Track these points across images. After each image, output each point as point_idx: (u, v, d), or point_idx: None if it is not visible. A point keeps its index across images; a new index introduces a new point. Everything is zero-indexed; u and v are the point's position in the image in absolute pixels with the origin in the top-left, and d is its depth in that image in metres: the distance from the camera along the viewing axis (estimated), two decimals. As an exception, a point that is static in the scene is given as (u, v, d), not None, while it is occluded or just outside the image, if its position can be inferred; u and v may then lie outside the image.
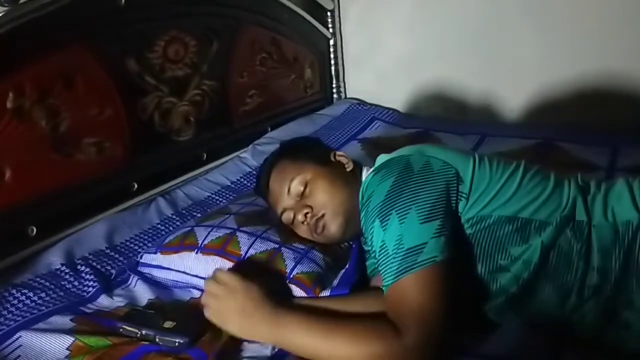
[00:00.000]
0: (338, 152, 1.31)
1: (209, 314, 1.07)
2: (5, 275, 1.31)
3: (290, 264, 1.19)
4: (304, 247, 1.23)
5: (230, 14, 2.01)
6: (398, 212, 1.02)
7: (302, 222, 1.22)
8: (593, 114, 2.16)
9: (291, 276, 1.17)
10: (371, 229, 1.06)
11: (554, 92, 2.25)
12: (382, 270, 1.02)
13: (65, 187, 1.50)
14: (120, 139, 1.64)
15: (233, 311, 1.05)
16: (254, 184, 1.40)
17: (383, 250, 1.02)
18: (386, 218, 1.03)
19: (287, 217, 1.25)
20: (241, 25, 2.04)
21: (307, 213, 1.20)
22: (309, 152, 1.29)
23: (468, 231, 1.07)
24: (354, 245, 1.26)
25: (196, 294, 1.25)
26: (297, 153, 1.28)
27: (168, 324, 1.10)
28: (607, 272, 1.00)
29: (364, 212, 1.10)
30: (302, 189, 1.22)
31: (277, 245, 1.23)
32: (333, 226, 1.20)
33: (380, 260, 1.03)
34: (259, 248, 1.23)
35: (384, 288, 1.01)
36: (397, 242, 1.00)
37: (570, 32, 2.17)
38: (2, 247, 1.37)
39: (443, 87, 2.46)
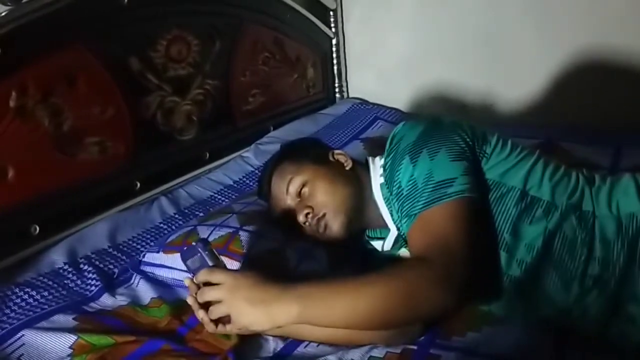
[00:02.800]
0: (336, 151, 1.31)
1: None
2: (8, 274, 1.31)
3: (293, 262, 1.20)
4: (307, 246, 1.23)
5: (232, 13, 2.01)
6: (429, 150, 1.06)
7: (304, 223, 1.21)
8: (594, 113, 2.16)
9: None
10: (399, 166, 1.08)
11: (554, 92, 2.25)
12: (409, 204, 1.04)
13: (67, 186, 1.50)
14: (123, 138, 1.64)
15: (243, 307, 0.96)
16: (256, 187, 1.39)
17: (411, 184, 1.05)
18: (416, 155, 1.07)
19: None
20: (243, 24, 2.04)
21: (307, 213, 1.20)
22: (308, 152, 1.29)
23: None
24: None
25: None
26: (296, 154, 1.28)
27: None
28: (608, 263, 1.00)
29: (392, 155, 1.13)
30: (300, 189, 1.21)
31: (279, 244, 1.23)
32: (335, 225, 1.20)
33: (408, 195, 1.05)
34: (261, 247, 1.23)
35: (409, 219, 1.03)
36: (427, 176, 1.03)
37: (570, 31, 2.17)
38: (5, 246, 1.37)
39: (445, 87, 2.46)
